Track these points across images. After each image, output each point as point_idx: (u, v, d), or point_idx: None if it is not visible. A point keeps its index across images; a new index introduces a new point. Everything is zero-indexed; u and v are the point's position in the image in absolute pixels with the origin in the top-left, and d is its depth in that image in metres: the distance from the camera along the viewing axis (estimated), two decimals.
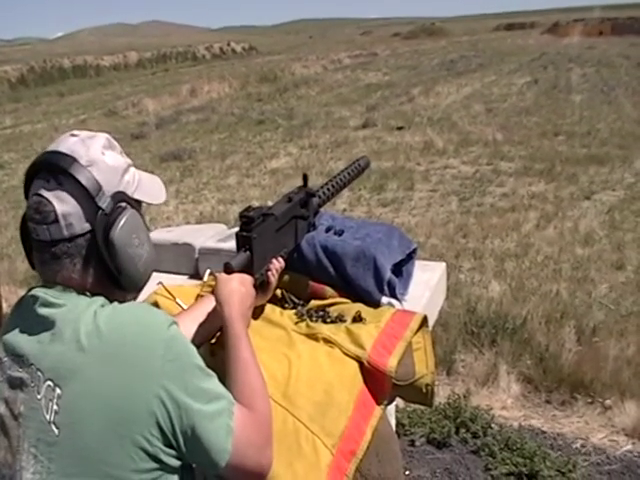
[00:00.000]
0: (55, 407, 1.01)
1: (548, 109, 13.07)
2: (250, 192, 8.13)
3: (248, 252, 1.42)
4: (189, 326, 1.35)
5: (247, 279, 1.37)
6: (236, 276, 1.35)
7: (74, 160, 1.07)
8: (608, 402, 3.31)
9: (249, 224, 1.42)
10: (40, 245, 1.09)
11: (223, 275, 1.35)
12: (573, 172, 7.97)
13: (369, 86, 19.71)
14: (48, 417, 1.01)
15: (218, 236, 2.22)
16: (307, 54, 38.51)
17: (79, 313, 1.04)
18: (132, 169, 1.17)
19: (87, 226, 1.07)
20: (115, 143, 1.16)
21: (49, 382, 1.02)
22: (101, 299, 1.09)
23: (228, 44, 65.15)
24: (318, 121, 13.28)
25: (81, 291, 1.09)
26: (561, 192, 7.24)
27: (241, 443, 1.06)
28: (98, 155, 1.10)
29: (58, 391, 1.01)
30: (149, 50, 56.14)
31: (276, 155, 10.37)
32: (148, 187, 1.20)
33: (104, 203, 1.08)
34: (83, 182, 1.06)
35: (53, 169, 1.07)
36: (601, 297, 4.47)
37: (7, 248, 6.46)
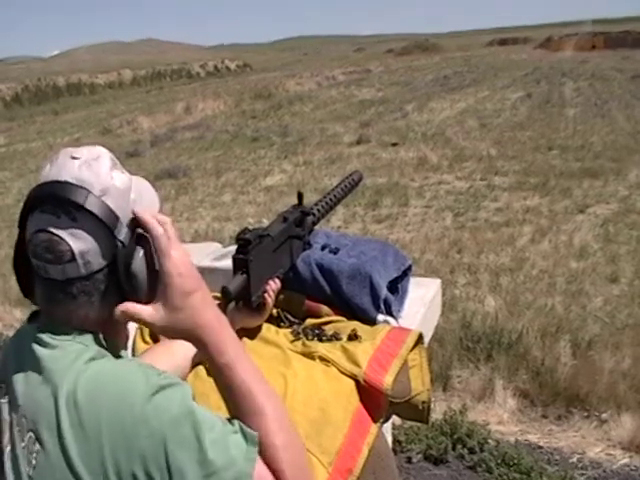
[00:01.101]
0: (34, 462, 0.91)
1: (542, 123, 13.16)
2: (245, 209, 8.15)
3: (245, 275, 1.42)
4: (166, 359, 1.28)
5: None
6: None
7: (88, 192, 0.95)
8: (604, 415, 3.32)
9: (246, 247, 1.42)
10: (50, 284, 0.97)
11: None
12: (567, 186, 8.02)
13: (363, 102, 19.81)
14: (27, 470, 0.92)
15: (213, 255, 2.22)
16: (301, 71, 38.72)
17: (67, 364, 0.93)
18: (132, 183, 1.06)
19: (104, 261, 0.97)
20: (115, 159, 1.05)
21: (31, 433, 0.92)
22: (92, 351, 0.96)
23: (222, 62, 65.50)
24: (312, 138, 13.34)
25: (86, 331, 0.99)
26: (555, 206, 7.27)
27: None
28: (108, 180, 0.98)
29: (37, 447, 0.91)
30: (144, 68, 56.40)
31: (271, 172, 10.41)
32: (148, 197, 1.08)
33: (122, 235, 0.97)
34: (101, 217, 0.95)
35: (63, 203, 0.94)
36: (596, 310, 4.48)
37: (1, 267, 6.45)
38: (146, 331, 1.65)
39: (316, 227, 1.78)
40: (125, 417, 0.88)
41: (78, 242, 0.94)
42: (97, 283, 0.98)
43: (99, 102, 32.71)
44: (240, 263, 1.42)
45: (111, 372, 0.93)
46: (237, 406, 0.99)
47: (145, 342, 1.63)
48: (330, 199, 1.82)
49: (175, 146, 14.47)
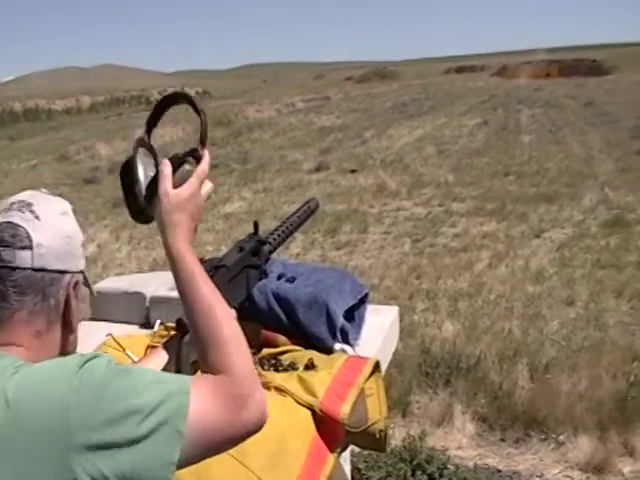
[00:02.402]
0: None
1: (498, 150, 13.40)
2: (204, 237, 8.09)
3: None
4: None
5: (196, 190, 1.19)
6: (185, 189, 1.17)
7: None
8: (562, 437, 3.36)
9: None
10: None
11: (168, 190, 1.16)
12: (523, 211, 8.15)
13: (322, 129, 19.94)
14: None
15: (169, 284, 2.20)
16: (261, 98, 38.82)
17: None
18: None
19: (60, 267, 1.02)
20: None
21: None
22: (21, 360, 0.94)
23: (182, 88, 65.42)
24: (272, 165, 13.36)
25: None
26: (512, 231, 7.38)
27: (204, 428, 0.88)
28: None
29: None
30: (102, 94, 55.98)
31: (230, 199, 10.37)
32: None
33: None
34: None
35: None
36: (553, 333, 4.55)
37: None
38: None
39: (273, 255, 1.78)
40: (57, 395, 0.85)
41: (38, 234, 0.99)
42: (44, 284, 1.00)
43: (57, 128, 32.32)
44: None
45: (39, 366, 0.91)
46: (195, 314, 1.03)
47: None
48: (287, 227, 1.82)
49: None
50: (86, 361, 0.90)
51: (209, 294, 1.05)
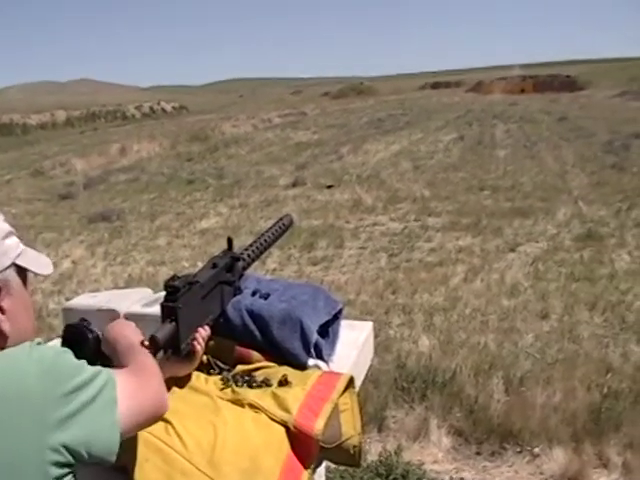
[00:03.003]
0: None
1: (473, 164, 13.53)
2: (180, 253, 8.07)
3: (174, 323, 1.40)
4: None
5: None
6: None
7: None
8: (536, 450, 3.39)
9: (174, 294, 1.40)
10: None
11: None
12: (498, 225, 8.23)
13: (299, 145, 20.01)
14: None
15: (144, 300, 2.19)
16: (237, 113, 38.89)
17: None
18: (15, 237, 1.14)
19: None
20: None
21: None
22: None
23: (158, 103, 65.26)
24: (248, 180, 13.37)
25: None
26: (487, 245, 7.45)
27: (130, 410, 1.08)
28: None
29: None
30: (78, 109, 55.66)
31: (206, 215, 10.36)
32: (33, 256, 1.17)
33: None
34: None
35: None
36: (527, 347, 4.59)
37: None
38: None
39: (248, 271, 1.79)
40: (19, 364, 1.00)
41: None
42: None
43: (31, 143, 32.07)
44: (169, 311, 1.40)
45: None
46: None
47: None
48: (260, 243, 1.82)
49: (109, 189, 14.28)
50: (37, 344, 1.05)
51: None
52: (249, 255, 1.75)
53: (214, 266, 1.59)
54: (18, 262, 1.12)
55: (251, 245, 1.79)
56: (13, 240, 1.13)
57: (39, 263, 1.18)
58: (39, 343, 1.06)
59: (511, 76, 63.47)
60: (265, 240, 1.84)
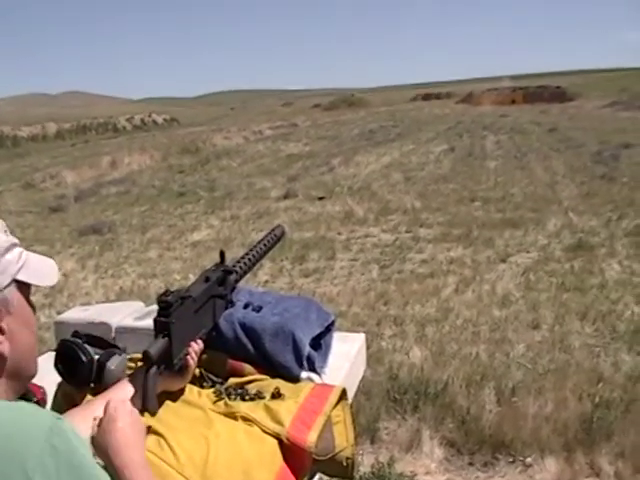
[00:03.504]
0: None
1: (464, 176, 13.57)
2: (171, 265, 8.05)
3: (167, 338, 1.40)
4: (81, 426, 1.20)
5: (127, 407, 1.23)
6: (117, 415, 1.20)
7: None
8: (529, 460, 3.39)
9: (167, 309, 1.41)
10: None
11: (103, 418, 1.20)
12: (489, 236, 8.25)
13: (290, 157, 20.05)
14: None
15: (136, 314, 2.20)
16: (228, 125, 38.94)
17: None
18: (17, 248, 1.05)
19: None
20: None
21: None
22: None
23: (149, 115, 65.28)
24: (239, 192, 13.38)
25: None
26: (478, 256, 7.46)
27: None
28: None
29: None
30: (69, 121, 55.63)
31: (197, 227, 10.36)
32: (36, 267, 1.08)
33: None
34: None
35: None
36: (519, 357, 4.59)
37: None
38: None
39: (240, 284, 1.79)
40: (30, 442, 0.83)
41: None
42: None
43: (22, 155, 32.01)
44: (161, 326, 1.41)
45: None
46: None
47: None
48: (253, 255, 1.83)
49: (100, 201, 14.27)
50: (58, 418, 0.90)
51: None
52: (241, 267, 1.76)
53: (206, 280, 1.59)
54: (19, 277, 1.04)
55: (243, 257, 1.80)
56: (14, 254, 1.04)
57: (42, 273, 1.10)
58: (59, 419, 0.91)
59: (501, 87, 63.87)
60: (257, 252, 1.85)
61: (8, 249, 1.03)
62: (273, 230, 1.97)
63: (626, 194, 10.29)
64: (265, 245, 1.88)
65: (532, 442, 3.47)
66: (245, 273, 1.79)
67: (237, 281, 1.75)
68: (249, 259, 1.80)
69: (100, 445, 1.14)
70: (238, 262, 1.76)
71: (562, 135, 20.67)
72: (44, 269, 1.11)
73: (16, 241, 1.06)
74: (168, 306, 1.41)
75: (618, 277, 6.40)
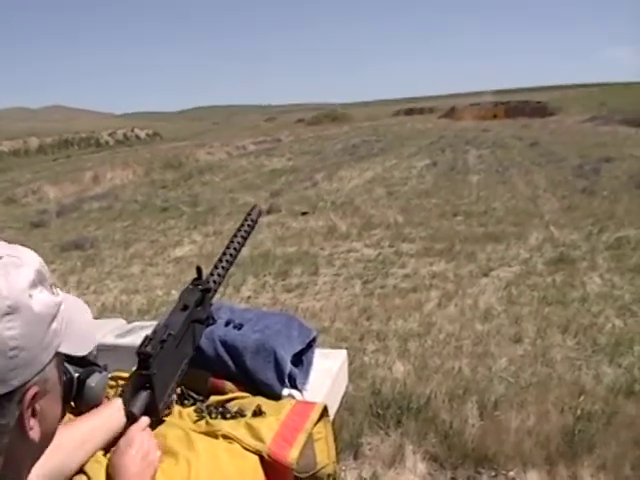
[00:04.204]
0: None
1: (447, 190, 13.63)
2: (154, 281, 8.02)
3: (149, 390, 1.36)
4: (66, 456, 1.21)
5: (145, 438, 1.29)
6: (133, 442, 1.26)
7: None
8: (511, 474, 3.40)
9: (147, 361, 1.35)
10: None
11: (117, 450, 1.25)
12: (472, 250, 8.28)
13: (273, 172, 20.08)
14: None
15: (117, 331, 2.19)
16: (212, 140, 38.93)
17: None
18: (61, 309, 0.84)
19: None
20: (46, 275, 0.83)
21: None
22: None
23: (132, 130, 65.19)
24: (222, 207, 13.37)
25: None
26: (461, 270, 7.49)
27: None
28: (24, 298, 0.77)
29: None
30: (50, 135, 55.39)
31: (180, 243, 10.33)
32: (77, 331, 0.89)
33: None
34: None
35: None
36: (501, 371, 4.60)
37: None
38: None
39: (222, 301, 1.78)
40: None
41: None
42: None
43: (3, 170, 31.86)
44: (143, 380, 1.36)
45: None
46: None
47: None
48: (230, 254, 1.73)
49: (82, 216, 14.20)
50: None
51: None
52: (219, 274, 1.68)
53: (185, 308, 1.53)
54: (62, 350, 0.85)
55: (220, 260, 1.71)
56: (59, 320, 0.84)
57: (84, 338, 0.92)
58: None
59: (483, 102, 64.45)
60: (235, 248, 1.75)
61: (55, 316, 0.83)
62: (249, 214, 1.87)
63: (607, 207, 10.38)
64: (243, 236, 1.79)
65: (515, 455, 3.48)
66: (224, 278, 1.72)
67: (216, 290, 1.69)
68: (227, 260, 1.71)
69: (112, 464, 1.23)
70: (216, 267, 1.69)
71: (543, 149, 20.86)
72: (85, 331, 0.94)
73: (60, 298, 0.86)
74: (148, 357, 1.36)
75: (599, 290, 6.45)
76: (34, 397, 0.79)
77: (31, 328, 0.76)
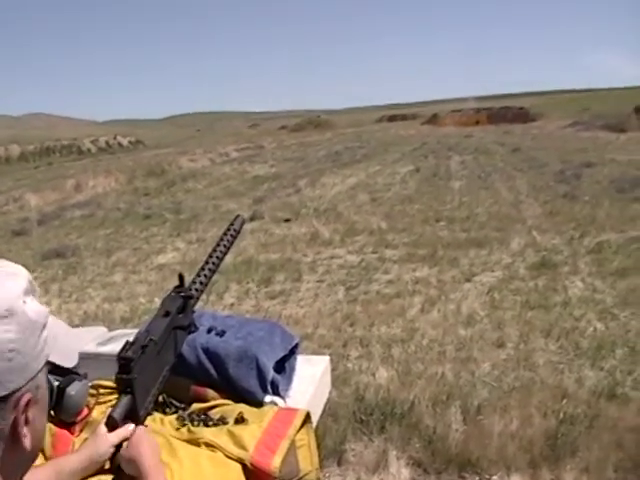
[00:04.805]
0: None
1: (429, 196, 13.67)
2: (136, 289, 7.97)
3: (130, 395, 1.35)
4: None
5: (151, 437, 1.34)
6: (142, 440, 1.30)
7: None
8: (495, 478, 3.41)
9: (127, 365, 1.35)
10: None
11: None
12: (454, 256, 8.30)
13: (256, 178, 20.06)
14: None
15: (98, 339, 2.18)
16: (194, 147, 38.87)
17: None
18: (50, 319, 0.89)
19: None
20: (35, 287, 0.88)
21: None
22: None
23: (114, 137, 64.95)
24: (206, 215, 13.33)
25: None
26: (444, 276, 7.50)
27: None
28: (18, 303, 0.81)
29: None
30: (32, 143, 55.06)
31: (163, 250, 10.27)
32: (64, 341, 0.95)
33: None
34: None
35: None
36: (484, 375, 4.61)
37: None
38: None
39: (206, 308, 1.77)
40: None
41: None
42: None
43: None
44: (124, 384, 1.35)
45: None
46: None
47: None
48: (213, 262, 1.72)
49: (64, 224, 14.10)
50: None
51: None
52: (202, 282, 1.67)
53: (166, 314, 1.52)
54: (51, 359, 0.90)
55: (202, 268, 1.70)
56: (48, 328, 0.87)
57: (69, 349, 0.98)
58: None
59: (466, 108, 64.87)
60: (217, 257, 1.74)
61: (45, 325, 0.86)
62: (232, 224, 1.86)
63: (588, 212, 10.46)
64: (225, 246, 1.78)
65: (498, 460, 3.49)
66: (206, 286, 1.71)
67: (198, 298, 1.68)
68: (209, 269, 1.70)
69: (128, 458, 1.26)
70: (198, 276, 1.67)
71: (525, 155, 21.01)
72: (70, 343, 0.99)
73: (48, 310, 0.89)
74: (129, 362, 1.35)
75: (581, 294, 6.49)
76: (28, 404, 0.81)
77: (26, 333, 0.80)
